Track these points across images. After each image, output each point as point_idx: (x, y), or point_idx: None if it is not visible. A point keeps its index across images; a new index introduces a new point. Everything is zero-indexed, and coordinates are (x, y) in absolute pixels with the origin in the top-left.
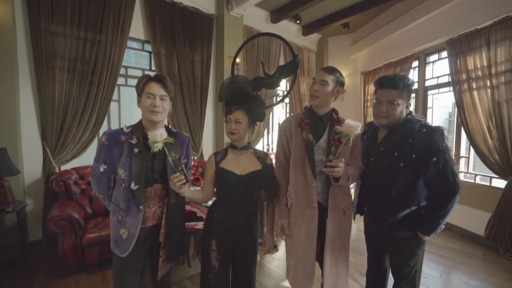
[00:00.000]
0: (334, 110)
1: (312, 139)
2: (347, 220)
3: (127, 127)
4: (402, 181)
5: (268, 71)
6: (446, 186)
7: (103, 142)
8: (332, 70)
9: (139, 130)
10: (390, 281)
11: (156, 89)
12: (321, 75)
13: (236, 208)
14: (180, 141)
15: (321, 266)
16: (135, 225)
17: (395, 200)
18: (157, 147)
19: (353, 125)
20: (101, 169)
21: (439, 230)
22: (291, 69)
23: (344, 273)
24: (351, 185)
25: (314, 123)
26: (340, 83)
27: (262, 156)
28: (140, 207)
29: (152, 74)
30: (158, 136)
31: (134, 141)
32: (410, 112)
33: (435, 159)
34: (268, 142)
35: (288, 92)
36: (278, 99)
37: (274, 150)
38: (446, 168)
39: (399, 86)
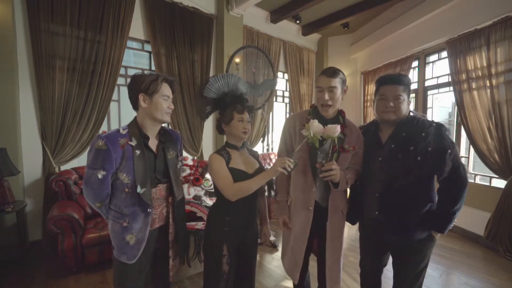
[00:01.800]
0: (341, 113)
1: (316, 144)
2: (343, 219)
3: (123, 129)
4: (418, 174)
5: (267, 71)
6: (460, 179)
7: (101, 146)
8: (335, 73)
9: (136, 130)
10: (387, 281)
11: (169, 91)
12: (327, 82)
13: (247, 208)
14: (175, 138)
15: (319, 261)
16: (143, 229)
17: (411, 196)
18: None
19: (332, 128)
20: (100, 176)
21: (451, 226)
22: (270, 86)
23: (339, 267)
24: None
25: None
26: (344, 82)
27: (255, 154)
28: (149, 210)
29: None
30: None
31: (134, 143)
32: (411, 111)
33: (449, 151)
34: (268, 143)
35: (264, 104)
36: (280, 100)
37: (275, 151)
38: (457, 161)
39: (403, 82)
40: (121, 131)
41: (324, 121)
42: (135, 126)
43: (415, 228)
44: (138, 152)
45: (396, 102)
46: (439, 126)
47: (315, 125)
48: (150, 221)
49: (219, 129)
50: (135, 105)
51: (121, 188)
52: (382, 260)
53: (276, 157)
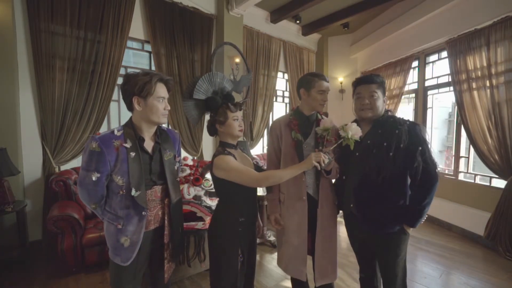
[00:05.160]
0: (318, 111)
1: (300, 138)
2: (335, 210)
3: (118, 130)
4: (391, 170)
5: (267, 71)
6: (429, 175)
7: (94, 148)
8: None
9: (131, 131)
10: None
11: (164, 91)
12: (328, 87)
13: (255, 205)
14: (172, 138)
15: (311, 255)
16: (138, 232)
17: (384, 191)
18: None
19: (328, 120)
20: (94, 178)
21: (422, 221)
22: (246, 82)
23: (333, 258)
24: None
25: (302, 123)
26: None
27: (247, 152)
28: (143, 212)
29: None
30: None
31: (128, 145)
32: (389, 110)
33: (420, 148)
34: (268, 142)
35: (244, 100)
36: (280, 100)
37: None
38: (428, 158)
39: (376, 81)
40: (115, 132)
41: (305, 118)
42: (130, 127)
43: (386, 221)
44: (133, 154)
45: (371, 99)
46: (413, 124)
47: (354, 128)
48: (145, 223)
49: (212, 130)
50: (130, 107)
51: (116, 190)
52: (372, 258)
53: (266, 157)
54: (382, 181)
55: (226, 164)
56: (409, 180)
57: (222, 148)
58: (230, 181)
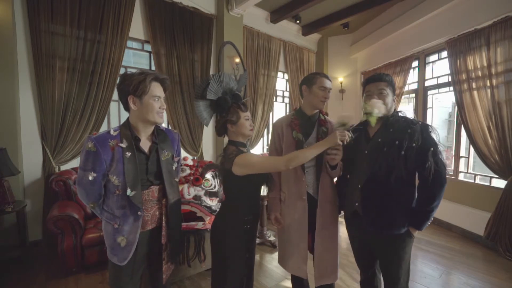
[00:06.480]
0: (321, 111)
1: (301, 138)
2: (336, 210)
3: (114, 130)
4: (402, 169)
5: (267, 71)
6: (439, 177)
7: (90, 148)
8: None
9: (128, 131)
10: None
11: (160, 90)
12: (330, 84)
13: (259, 204)
14: (171, 138)
15: (312, 253)
16: (134, 232)
17: (393, 191)
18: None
19: (346, 115)
20: (90, 178)
21: (428, 223)
22: (244, 81)
23: (334, 259)
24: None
25: (304, 122)
26: None
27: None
28: (139, 212)
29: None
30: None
31: (124, 145)
32: (400, 111)
33: (432, 149)
34: (269, 142)
35: (245, 99)
36: (280, 100)
37: None
38: (439, 160)
39: (385, 79)
40: (111, 132)
41: (307, 118)
42: (127, 127)
43: (393, 222)
44: (128, 154)
45: (380, 96)
46: (425, 125)
47: (380, 105)
48: (141, 223)
49: (222, 130)
50: (126, 106)
51: (112, 190)
52: (372, 260)
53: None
54: (392, 180)
55: (249, 160)
56: (417, 181)
57: (235, 147)
58: (243, 180)
